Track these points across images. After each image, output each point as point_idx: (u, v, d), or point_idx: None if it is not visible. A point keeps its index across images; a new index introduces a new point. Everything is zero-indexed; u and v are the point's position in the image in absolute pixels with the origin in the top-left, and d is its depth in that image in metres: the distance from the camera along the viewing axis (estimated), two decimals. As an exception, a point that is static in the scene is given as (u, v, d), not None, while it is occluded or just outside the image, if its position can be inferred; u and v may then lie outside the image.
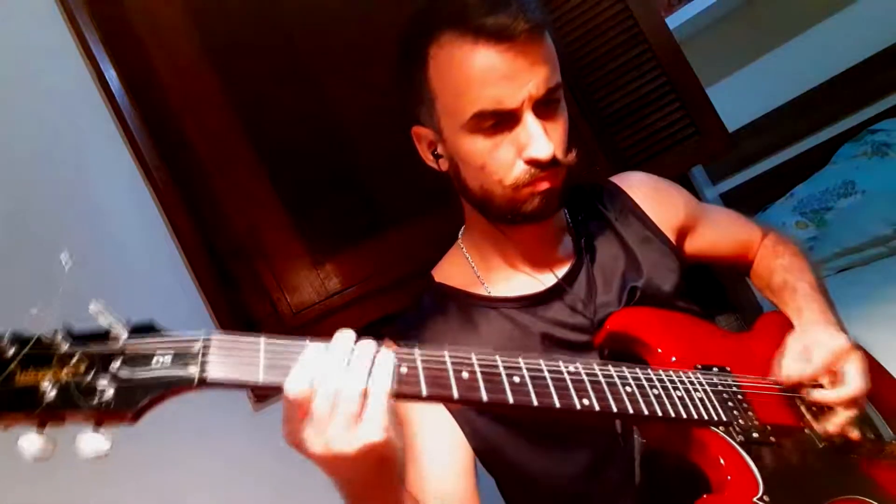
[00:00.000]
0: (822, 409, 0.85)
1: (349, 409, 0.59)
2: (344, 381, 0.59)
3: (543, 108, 0.86)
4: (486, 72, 0.82)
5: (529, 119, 0.84)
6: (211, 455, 1.24)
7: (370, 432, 0.59)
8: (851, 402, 0.84)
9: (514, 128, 0.85)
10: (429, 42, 0.87)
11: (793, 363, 0.88)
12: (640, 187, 1.08)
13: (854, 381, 0.84)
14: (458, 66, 0.84)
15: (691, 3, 2.31)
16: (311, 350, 0.60)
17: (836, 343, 0.87)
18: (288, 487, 1.39)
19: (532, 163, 0.85)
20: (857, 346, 0.90)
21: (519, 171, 0.87)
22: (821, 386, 0.86)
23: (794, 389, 0.88)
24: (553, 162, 0.86)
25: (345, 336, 0.63)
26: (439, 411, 0.89)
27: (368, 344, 0.63)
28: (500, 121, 0.85)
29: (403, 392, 0.62)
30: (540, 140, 0.84)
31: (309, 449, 0.60)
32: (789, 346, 0.90)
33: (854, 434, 0.83)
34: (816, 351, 0.87)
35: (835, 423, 0.83)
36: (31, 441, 0.50)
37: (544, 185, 0.87)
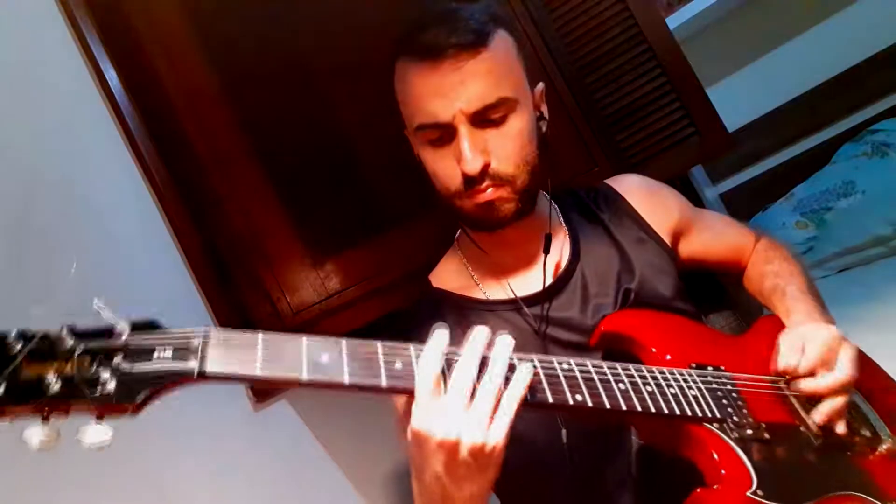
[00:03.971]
0: (814, 403, 0.86)
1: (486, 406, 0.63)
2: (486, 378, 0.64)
3: (487, 122, 0.88)
4: (419, 88, 0.88)
5: (462, 133, 0.87)
6: (211, 454, 1.25)
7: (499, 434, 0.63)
8: (838, 390, 0.84)
9: (455, 140, 0.89)
10: (395, 59, 0.94)
11: (788, 354, 0.88)
12: (636, 190, 1.09)
13: (842, 368, 0.85)
14: (404, 82, 0.91)
15: (691, 3, 2.30)
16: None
17: (825, 334, 0.88)
18: (287, 487, 1.39)
19: (464, 176, 0.88)
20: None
21: (458, 182, 0.90)
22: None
23: (787, 382, 0.88)
24: (488, 175, 0.88)
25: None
26: None
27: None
28: (443, 134, 0.89)
29: (395, 386, 0.63)
30: (466, 155, 0.87)
31: (435, 434, 0.62)
32: (781, 343, 0.91)
33: (842, 426, 0.84)
34: (809, 345, 0.88)
35: (820, 412, 0.83)
36: (35, 432, 0.52)
37: (483, 197, 0.90)
